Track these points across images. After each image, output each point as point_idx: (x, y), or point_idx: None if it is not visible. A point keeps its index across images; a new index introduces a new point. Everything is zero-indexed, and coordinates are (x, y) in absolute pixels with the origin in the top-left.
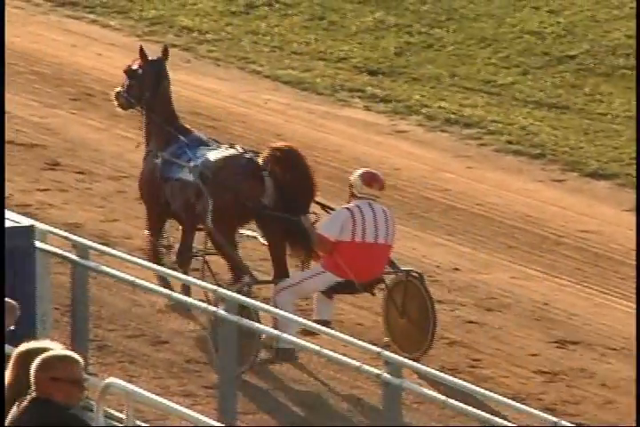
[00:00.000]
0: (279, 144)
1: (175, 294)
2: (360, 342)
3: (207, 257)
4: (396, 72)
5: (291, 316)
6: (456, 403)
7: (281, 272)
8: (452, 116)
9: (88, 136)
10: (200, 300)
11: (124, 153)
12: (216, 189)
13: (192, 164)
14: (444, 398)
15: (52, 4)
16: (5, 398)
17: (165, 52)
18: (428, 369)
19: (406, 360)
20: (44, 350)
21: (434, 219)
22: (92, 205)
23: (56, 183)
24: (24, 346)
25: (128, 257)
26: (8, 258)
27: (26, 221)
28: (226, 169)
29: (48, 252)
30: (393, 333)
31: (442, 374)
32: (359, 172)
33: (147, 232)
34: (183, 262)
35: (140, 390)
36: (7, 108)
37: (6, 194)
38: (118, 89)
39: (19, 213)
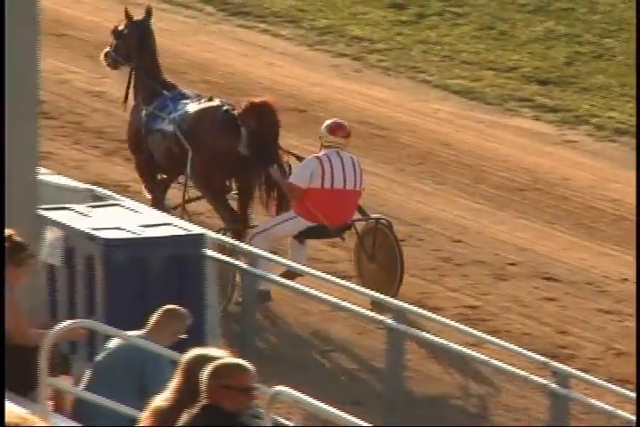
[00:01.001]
0: (256, 99)
1: (341, 302)
2: (527, 352)
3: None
4: (566, 82)
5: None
6: (624, 414)
7: (244, 218)
8: (622, 126)
9: None
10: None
11: (294, 162)
12: (194, 139)
13: (172, 115)
14: (611, 408)
15: (225, 14)
16: (172, 405)
17: (149, 12)
18: (596, 380)
19: (573, 371)
20: (213, 357)
21: (602, 229)
22: (261, 214)
23: None
24: (193, 353)
25: (294, 265)
26: (179, 266)
27: (197, 230)
28: (203, 120)
29: (218, 260)
30: (363, 277)
31: (610, 385)
32: (326, 122)
33: (145, 191)
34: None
35: (309, 399)
36: None
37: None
38: (107, 49)
39: (189, 222)
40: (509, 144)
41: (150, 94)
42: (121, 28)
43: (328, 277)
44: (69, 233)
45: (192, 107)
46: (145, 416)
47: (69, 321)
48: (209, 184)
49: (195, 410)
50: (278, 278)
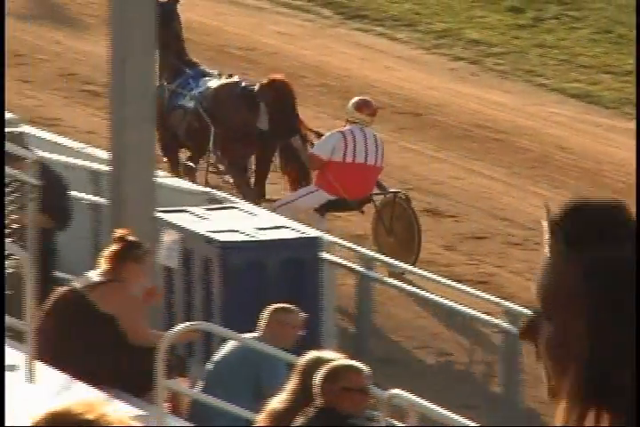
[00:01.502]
0: (273, 75)
1: (458, 307)
2: None
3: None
4: None
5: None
6: None
7: (259, 189)
8: None
9: None
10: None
11: (411, 165)
12: (214, 115)
13: (193, 92)
14: None
15: (342, 18)
16: (288, 407)
17: None
18: None
19: None
20: (329, 360)
21: None
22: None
23: None
24: (309, 356)
25: (411, 268)
26: (295, 268)
27: (313, 233)
28: (222, 96)
29: (334, 263)
30: (381, 249)
31: None
32: (354, 99)
33: (165, 159)
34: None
35: (425, 402)
36: None
37: None
38: None
39: (305, 225)
40: (627, 148)
41: (173, 72)
42: None
43: (443, 280)
44: (186, 236)
45: (212, 84)
46: (261, 418)
47: (186, 323)
48: (230, 158)
49: (310, 412)
50: (395, 281)
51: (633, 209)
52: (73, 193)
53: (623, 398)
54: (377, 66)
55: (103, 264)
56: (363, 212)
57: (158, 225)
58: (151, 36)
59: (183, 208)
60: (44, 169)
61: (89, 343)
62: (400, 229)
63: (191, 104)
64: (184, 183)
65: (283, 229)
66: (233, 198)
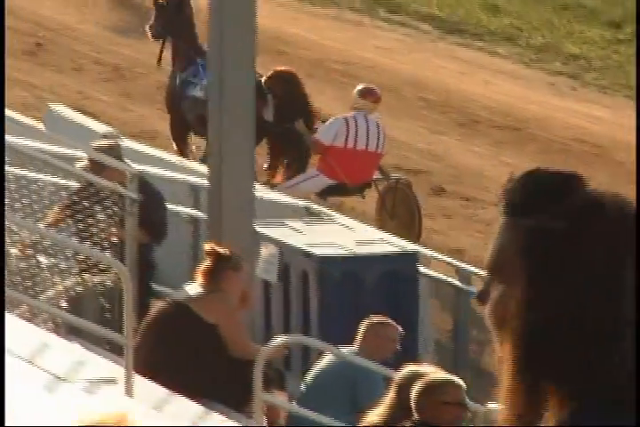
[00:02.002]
0: (281, 67)
1: None
2: None
3: None
4: None
5: None
6: None
7: (273, 171)
8: None
9: (473, 162)
10: None
11: None
12: None
13: (204, 82)
14: None
15: (441, 32)
16: (385, 421)
17: None
18: None
19: None
20: (427, 374)
21: None
22: (475, 231)
23: (441, 209)
24: (407, 369)
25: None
26: (392, 282)
27: (410, 247)
28: None
29: (431, 277)
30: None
31: None
32: (358, 86)
33: (173, 142)
34: None
35: None
36: (393, 133)
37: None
38: (150, 22)
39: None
40: None
41: (185, 61)
42: (161, 0)
43: None
44: (285, 249)
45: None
46: None
47: (284, 337)
48: None
49: (407, 426)
50: None
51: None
52: (172, 207)
53: (572, 377)
54: (476, 80)
55: (201, 276)
56: (363, 197)
57: (257, 239)
58: (251, 52)
59: (281, 222)
60: (142, 183)
61: (190, 355)
62: (402, 213)
63: (201, 94)
64: (282, 197)
65: (380, 243)
66: (331, 212)
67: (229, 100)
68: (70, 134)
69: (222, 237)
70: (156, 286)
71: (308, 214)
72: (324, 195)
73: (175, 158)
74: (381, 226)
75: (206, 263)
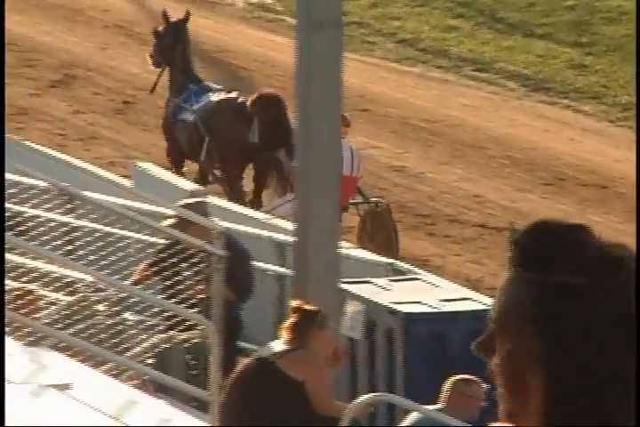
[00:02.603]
0: (265, 89)
1: None
2: None
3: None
4: None
5: None
6: None
7: (257, 196)
8: None
9: None
10: None
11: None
12: (210, 127)
13: (194, 106)
14: None
15: (526, 90)
16: None
17: (187, 15)
18: None
19: None
20: None
21: None
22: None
23: None
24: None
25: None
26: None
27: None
28: (219, 110)
29: None
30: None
31: None
32: None
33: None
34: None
35: None
36: (478, 190)
37: (477, 276)
38: (151, 51)
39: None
40: None
41: (178, 88)
42: (159, 28)
43: None
44: (370, 307)
45: (211, 98)
46: None
47: (369, 395)
48: (224, 168)
49: None
50: None
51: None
52: (258, 264)
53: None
54: (561, 138)
55: (287, 333)
56: (339, 220)
57: (342, 296)
58: (337, 110)
59: (367, 279)
60: (229, 240)
61: (275, 412)
62: (380, 235)
63: (191, 118)
64: (368, 255)
65: (466, 300)
66: (417, 270)
67: (316, 158)
68: (157, 192)
69: (308, 294)
70: (241, 343)
71: (394, 272)
72: None
73: (261, 215)
74: (361, 247)
75: (292, 320)
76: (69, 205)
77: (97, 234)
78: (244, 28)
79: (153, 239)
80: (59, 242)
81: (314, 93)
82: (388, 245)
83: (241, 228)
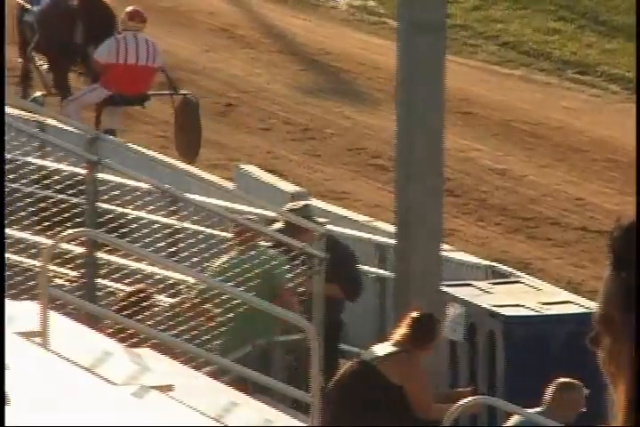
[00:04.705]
0: None
1: None
2: None
3: None
4: None
5: None
6: None
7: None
8: None
9: None
10: None
11: None
12: (40, 27)
13: (34, 9)
14: None
15: (629, 93)
16: None
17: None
18: None
19: None
20: None
21: None
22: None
23: None
24: None
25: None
26: (579, 343)
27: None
28: (47, 11)
29: None
30: (175, 142)
31: None
32: (127, 9)
33: (19, 61)
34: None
35: None
36: (580, 193)
37: (578, 280)
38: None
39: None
40: None
41: None
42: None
43: None
44: (471, 309)
45: (44, 2)
46: None
47: (471, 398)
48: (52, 64)
49: None
50: None
51: None
52: (359, 266)
53: None
54: None
55: (391, 337)
56: (144, 107)
57: (443, 299)
58: (440, 113)
59: (467, 282)
60: (334, 241)
61: (375, 415)
62: (188, 125)
63: (31, 19)
64: (468, 257)
65: (567, 303)
66: (518, 273)
67: (417, 159)
68: (259, 194)
69: (409, 296)
70: (343, 345)
71: (494, 275)
72: (108, 104)
73: (362, 218)
74: (174, 136)
75: (402, 322)
76: (172, 207)
77: (199, 236)
78: (347, 30)
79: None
80: (162, 244)
81: (415, 96)
82: (195, 135)
83: (341, 229)
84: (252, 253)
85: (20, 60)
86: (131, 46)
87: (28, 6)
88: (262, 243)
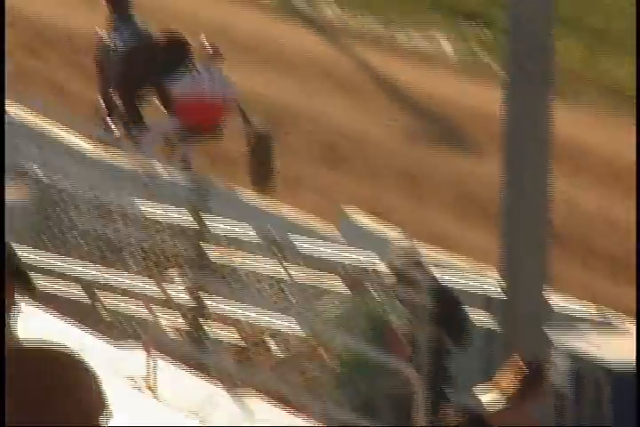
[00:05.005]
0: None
1: None
2: None
3: None
4: None
5: None
6: None
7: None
8: None
9: None
10: None
11: None
12: (119, 60)
13: (118, 42)
14: None
15: None
16: None
17: None
18: None
19: None
20: None
21: None
22: None
23: None
24: None
25: None
26: None
27: None
28: (127, 44)
29: None
30: (250, 173)
31: None
32: (201, 43)
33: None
34: None
35: None
36: None
37: None
38: None
39: None
40: None
41: (115, 26)
42: None
43: None
44: (577, 358)
45: (129, 35)
46: None
47: None
48: (130, 95)
49: None
50: None
51: None
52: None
53: None
54: None
55: (499, 387)
56: (218, 139)
57: (549, 347)
58: (547, 161)
59: (574, 328)
60: (440, 288)
61: None
62: (260, 157)
63: (111, 52)
64: (575, 305)
65: None
66: (624, 320)
67: (524, 208)
68: (365, 241)
69: (516, 345)
70: (449, 393)
71: (602, 323)
72: (181, 136)
73: (468, 264)
74: (248, 167)
75: (509, 373)
76: (280, 256)
77: (306, 284)
78: (454, 77)
79: None
80: (270, 292)
81: (522, 144)
82: (267, 163)
83: (447, 275)
84: (361, 299)
85: (100, 93)
86: (205, 79)
87: (109, 41)
88: (371, 289)
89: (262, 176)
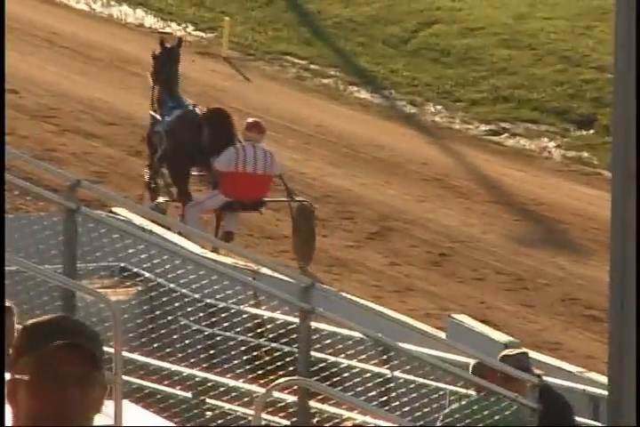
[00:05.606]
0: (214, 106)
1: None
2: None
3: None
4: None
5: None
6: None
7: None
8: None
9: None
10: None
11: None
12: (170, 135)
13: (166, 118)
14: None
15: None
16: None
17: (180, 41)
18: None
19: None
20: None
21: None
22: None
23: None
24: None
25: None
26: None
27: None
28: (176, 121)
29: None
30: (293, 247)
31: None
32: (247, 121)
33: (146, 170)
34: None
35: None
36: None
37: None
38: (151, 70)
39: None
40: None
41: (160, 104)
42: (157, 51)
43: None
44: None
45: (177, 112)
46: None
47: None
48: (177, 171)
49: None
50: None
51: None
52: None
53: None
54: None
55: None
56: (261, 213)
57: None
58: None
59: None
60: (548, 392)
61: None
62: (304, 231)
63: (161, 128)
64: None
65: None
66: None
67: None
68: (472, 344)
69: None
70: None
71: None
72: (228, 210)
73: (575, 369)
74: (293, 241)
75: None
76: (384, 356)
77: (411, 385)
78: (561, 181)
79: (465, 391)
80: (374, 393)
81: (631, 247)
82: (310, 238)
83: (554, 380)
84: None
85: (147, 168)
86: (249, 155)
87: (159, 118)
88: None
89: (305, 249)
